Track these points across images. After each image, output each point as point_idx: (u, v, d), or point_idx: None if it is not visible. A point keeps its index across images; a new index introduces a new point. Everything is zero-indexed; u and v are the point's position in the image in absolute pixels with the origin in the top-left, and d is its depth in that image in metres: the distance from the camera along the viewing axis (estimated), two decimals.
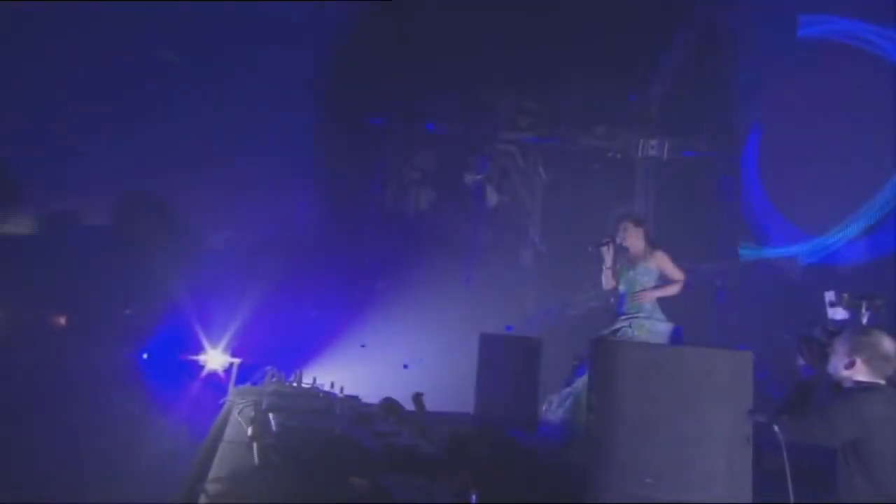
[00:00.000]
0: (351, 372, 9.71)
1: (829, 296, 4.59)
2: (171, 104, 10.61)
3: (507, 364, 7.49)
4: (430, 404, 8.55)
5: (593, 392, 4.54)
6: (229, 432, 5.48)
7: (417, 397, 7.20)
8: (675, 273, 7.10)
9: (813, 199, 10.82)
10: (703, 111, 11.12)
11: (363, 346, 10.52)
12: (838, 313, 4.54)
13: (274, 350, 9.42)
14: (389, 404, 7.09)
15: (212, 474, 4.29)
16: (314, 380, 7.86)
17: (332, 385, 7.69)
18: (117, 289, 10.79)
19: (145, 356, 10.25)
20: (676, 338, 7.03)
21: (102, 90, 10.25)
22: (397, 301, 10.50)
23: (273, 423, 5.54)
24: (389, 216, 11.70)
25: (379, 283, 11.10)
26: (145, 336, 10.25)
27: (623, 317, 7.06)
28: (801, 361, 4.53)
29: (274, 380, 7.76)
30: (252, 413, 6.07)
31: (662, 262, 7.10)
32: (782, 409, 4.37)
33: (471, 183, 11.60)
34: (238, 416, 6.01)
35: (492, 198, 11.68)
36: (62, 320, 11.02)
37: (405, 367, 10.36)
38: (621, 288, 7.23)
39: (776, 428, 4.01)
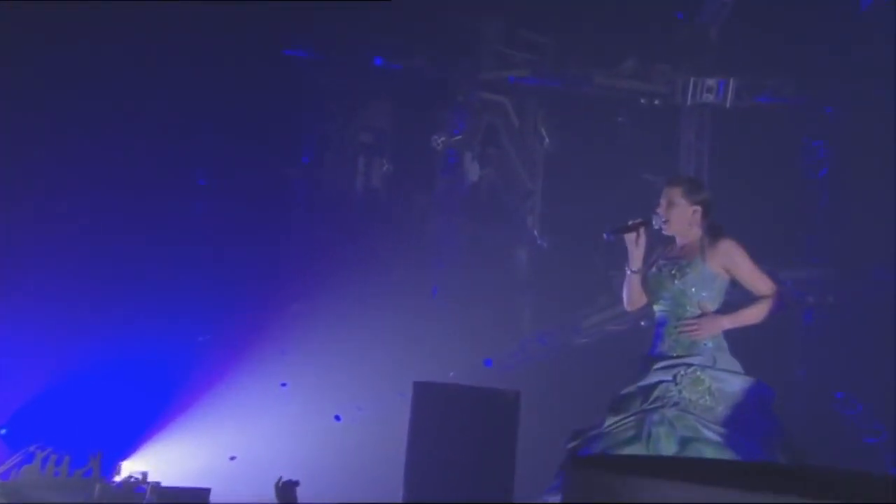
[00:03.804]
0: (250, 430, 8.29)
1: None
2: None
3: (458, 438, 5.36)
4: (359, 487, 7.15)
5: None
6: None
7: (286, 489, 4.87)
8: (761, 282, 4.56)
9: None
10: (788, 36, 8.82)
11: (284, 384, 8.85)
12: None
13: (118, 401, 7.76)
14: None
15: None
16: (119, 468, 5.47)
17: (145, 477, 5.23)
18: None
19: None
20: (760, 406, 4.43)
21: None
22: (332, 321, 8.72)
23: None
24: (325, 197, 9.77)
25: (307, 295, 9.29)
26: None
27: (662, 363, 4.46)
28: None
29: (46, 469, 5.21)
30: None
31: (734, 260, 4.56)
32: None
33: (441, 148, 9.57)
34: None
35: (471, 171, 9.69)
36: None
37: (337, 419, 8.74)
38: (659, 309, 4.66)
39: None
